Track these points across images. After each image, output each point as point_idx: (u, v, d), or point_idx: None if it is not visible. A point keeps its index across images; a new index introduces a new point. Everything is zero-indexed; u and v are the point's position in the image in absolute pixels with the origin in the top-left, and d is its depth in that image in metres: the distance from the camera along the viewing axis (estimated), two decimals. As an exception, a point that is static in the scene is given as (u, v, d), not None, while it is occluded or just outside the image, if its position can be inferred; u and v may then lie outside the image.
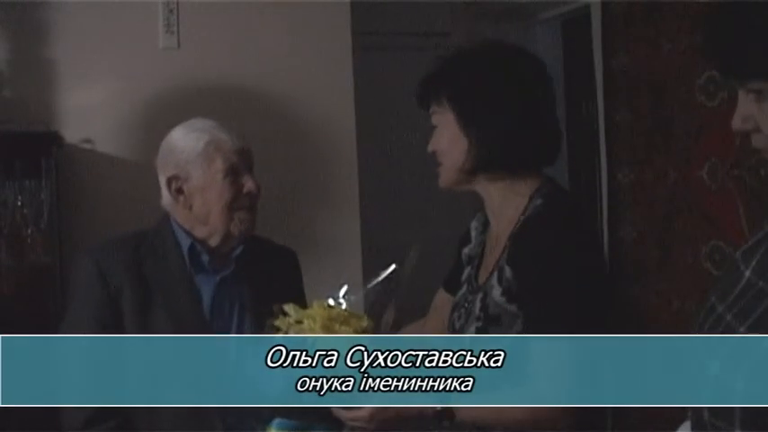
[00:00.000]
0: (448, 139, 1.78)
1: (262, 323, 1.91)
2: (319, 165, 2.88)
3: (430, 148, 1.82)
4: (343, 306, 1.81)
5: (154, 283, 2.00)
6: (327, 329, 1.75)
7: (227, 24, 2.80)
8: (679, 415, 1.35)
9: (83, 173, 2.66)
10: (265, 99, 2.82)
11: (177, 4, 2.74)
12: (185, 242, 2.04)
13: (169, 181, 2.04)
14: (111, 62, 2.69)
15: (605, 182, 3.20)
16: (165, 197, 2.06)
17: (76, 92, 2.66)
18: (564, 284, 1.64)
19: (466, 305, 1.82)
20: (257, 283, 2.07)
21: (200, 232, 2.04)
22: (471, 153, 1.75)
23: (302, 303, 2.05)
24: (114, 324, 1.96)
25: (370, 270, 2.88)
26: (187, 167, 2.02)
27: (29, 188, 2.42)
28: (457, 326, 1.83)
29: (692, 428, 1.21)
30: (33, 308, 2.42)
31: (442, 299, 2.04)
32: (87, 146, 2.66)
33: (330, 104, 2.88)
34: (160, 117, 2.61)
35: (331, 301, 1.81)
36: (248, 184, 2.02)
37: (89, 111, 2.65)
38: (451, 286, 1.99)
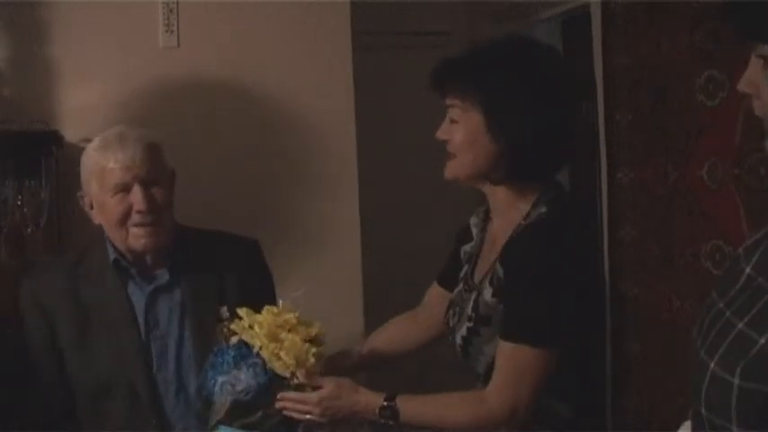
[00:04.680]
0: (469, 138, 1.73)
1: (206, 329, 1.91)
2: (319, 164, 2.88)
3: (443, 135, 1.77)
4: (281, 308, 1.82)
5: (89, 300, 2.03)
6: (273, 336, 1.76)
7: (226, 24, 2.79)
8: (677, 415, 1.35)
9: (83, 172, 2.65)
10: (265, 99, 2.82)
11: (177, 3, 2.74)
12: (112, 254, 2.05)
13: (82, 198, 2.07)
14: (111, 62, 2.69)
15: (605, 182, 3.20)
16: None
17: (76, 91, 2.66)
18: (541, 294, 1.64)
19: (461, 303, 1.82)
20: (202, 286, 2.06)
21: (119, 247, 2.05)
22: (499, 162, 1.71)
23: (268, 294, 2.07)
24: (53, 347, 2.02)
25: (370, 270, 2.91)
26: (88, 186, 2.04)
27: (29, 188, 2.42)
28: (451, 323, 1.84)
29: (692, 426, 1.21)
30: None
31: (436, 293, 2.03)
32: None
33: (330, 104, 2.88)
34: (160, 116, 2.61)
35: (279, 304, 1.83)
36: (136, 202, 1.97)
37: (89, 110, 2.65)
38: (446, 281, 1.99)
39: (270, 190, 2.81)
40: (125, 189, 1.98)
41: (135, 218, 1.98)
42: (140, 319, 2.03)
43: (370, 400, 1.74)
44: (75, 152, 2.62)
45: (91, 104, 2.66)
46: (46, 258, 2.33)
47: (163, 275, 2.05)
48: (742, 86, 1.21)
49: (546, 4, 3.74)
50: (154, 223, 1.99)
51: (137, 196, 1.97)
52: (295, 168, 2.84)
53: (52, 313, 2.02)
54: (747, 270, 1.16)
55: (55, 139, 2.50)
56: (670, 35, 2.86)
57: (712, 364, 1.12)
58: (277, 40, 2.84)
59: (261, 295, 2.00)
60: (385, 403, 1.72)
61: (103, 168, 1.99)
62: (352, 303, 2.84)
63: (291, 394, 1.77)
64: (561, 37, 3.86)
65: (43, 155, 2.44)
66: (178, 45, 2.75)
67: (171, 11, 2.74)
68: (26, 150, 2.45)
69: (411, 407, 1.72)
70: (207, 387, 1.83)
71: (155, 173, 2.00)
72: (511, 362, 1.65)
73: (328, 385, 1.76)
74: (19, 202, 2.40)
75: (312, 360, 1.76)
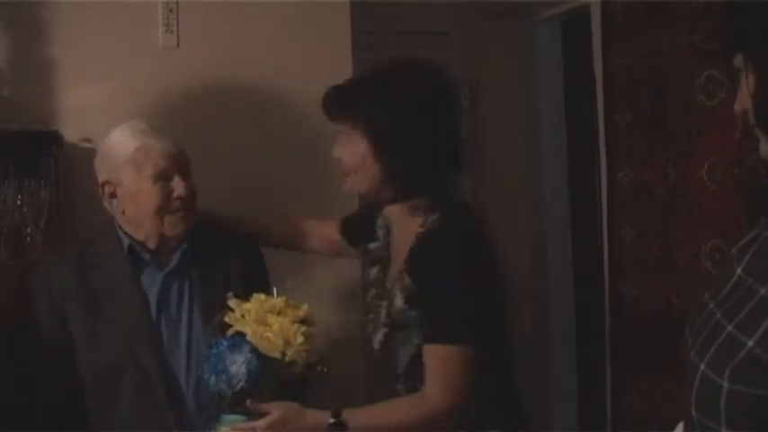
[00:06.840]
0: (356, 162, 1.87)
1: (213, 313, 1.96)
2: (319, 165, 2.88)
3: (336, 154, 1.92)
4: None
5: (98, 286, 2.07)
6: (261, 321, 1.80)
7: (226, 24, 2.79)
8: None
9: (83, 172, 2.65)
10: (265, 99, 2.82)
11: (177, 3, 2.74)
12: (125, 242, 2.10)
13: (102, 185, 2.10)
14: (111, 62, 2.69)
15: (605, 182, 3.19)
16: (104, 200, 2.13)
17: (76, 91, 2.65)
18: (454, 295, 1.77)
19: (375, 310, 1.89)
20: (209, 276, 2.12)
21: (138, 234, 2.10)
22: (384, 184, 1.85)
23: (265, 285, 2.14)
24: (63, 334, 2.04)
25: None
26: (118, 173, 2.07)
27: (29, 188, 2.41)
28: (368, 331, 1.92)
29: (684, 427, 1.21)
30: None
31: (330, 234, 2.19)
32: (87, 145, 2.65)
33: (330, 104, 2.88)
34: (160, 116, 2.61)
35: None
36: (178, 189, 2.05)
37: (89, 110, 2.65)
38: (350, 235, 2.14)
39: (269, 190, 2.81)
40: (166, 177, 2.04)
41: (174, 204, 2.05)
42: (153, 304, 2.08)
43: (318, 419, 1.79)
44: (75, 152, 2.63)
45: (91, 104, 2.66)
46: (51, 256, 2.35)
47: (173, 261, 2.10)
48: (737, 107, 1.21)
49: (546, 4, 3.74)
50: (190, 210, 2.08)
51: (179, 184, 2.05)
52: (295, 168, 2.84)
53: (62, 301, 2.06)
54: (738, 271, 1.16)
55: (55, 139, 2.50)
56: (670, 35, 2.86)
57: (702, 366, 1.12)
58: (277, 40, 2.84)
59: (260, 285, 2.05)
60: (332, 420, 1.75)
61: (147, 155, 2.05)
62: (351, 303, 2.84)
63: (240, 424, 1.83)
64: (561, 37, 3.87)
65: (43, 155, 2.44)
66: (178, 45, 2.75)
67: (171, 11, 2.74)
68: (26, 150, 2.45)
69: (359, 418, 1.78)
70: (204, 380, 1.88)
71: (189, 163, 2.11)
72: (439, 361, 1.78)
73: (276, 410, 1.82)
74: (19, 202, 2.40)
75: (300, 339, 1.81)
